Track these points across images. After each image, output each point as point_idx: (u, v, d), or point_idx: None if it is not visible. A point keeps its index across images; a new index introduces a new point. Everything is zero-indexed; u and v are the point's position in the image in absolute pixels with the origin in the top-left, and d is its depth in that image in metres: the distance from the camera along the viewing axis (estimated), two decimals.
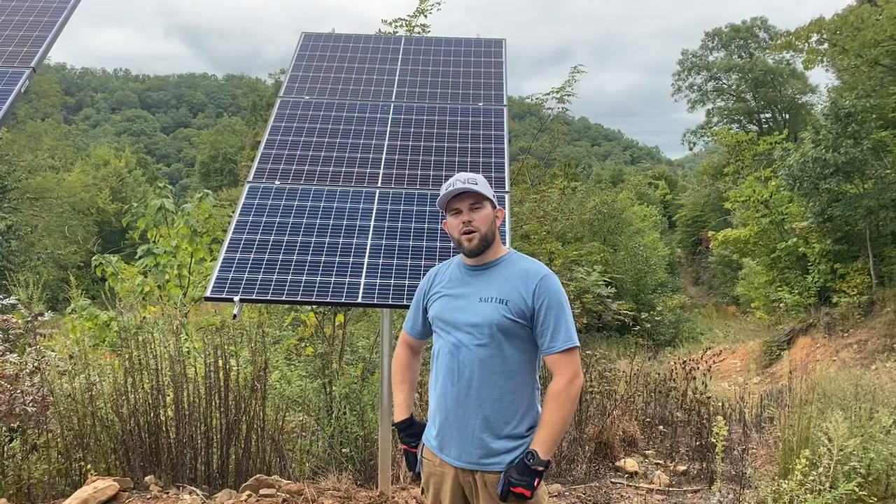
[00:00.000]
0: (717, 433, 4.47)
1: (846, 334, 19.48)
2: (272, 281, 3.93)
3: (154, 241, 11.10)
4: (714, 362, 9.17)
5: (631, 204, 42.47)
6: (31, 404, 4.87)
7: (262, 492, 4.62)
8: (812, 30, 22.08)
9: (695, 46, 49.47)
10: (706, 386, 7.81)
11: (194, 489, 4.63)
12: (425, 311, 2.94)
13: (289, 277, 3.95)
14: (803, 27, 22.37)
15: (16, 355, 5.33)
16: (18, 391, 4.93)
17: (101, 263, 11.83)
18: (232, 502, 4.49)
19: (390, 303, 3.88)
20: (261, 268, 4.00)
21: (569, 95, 10.29)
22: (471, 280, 2.76)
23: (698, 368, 8.16)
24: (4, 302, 5.57)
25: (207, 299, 3.91)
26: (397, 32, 7.96)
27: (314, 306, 7.59)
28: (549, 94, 10.61)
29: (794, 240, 22.23)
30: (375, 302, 3.88)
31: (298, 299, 3.90)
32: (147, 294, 9.59)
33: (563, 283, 7.22)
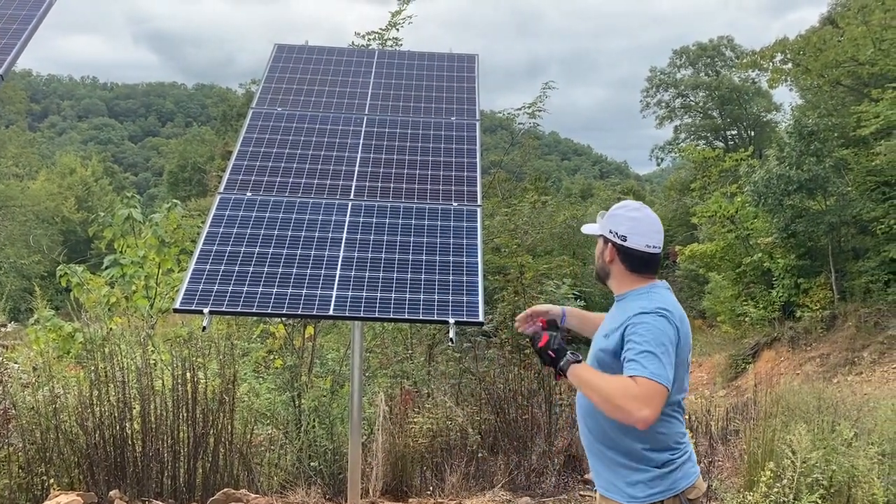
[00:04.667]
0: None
1: (809, 348, 19.83)
2: (242, 293, 3.91)
3: (121, 252, 10.95)
4: None
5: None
6: None
7: None
8: (776, 50, 22.57)
9: (663, 64, 50.23)
10: None
11: None
12: None
13: (259, 289, 3.93)
14: (768, 47, 22.87)
15: None
16: None
17: (66, 273, 11.64)
18: None
19: (362, 315, 3.88)
20: (231, 279, 3.97)
21: (539, 111, 10.41)
22: (611, 311, 2.79)
23: None
24: None
25: (177, 311, 3.87)
26: (370, 45, 8.00)
27: (283, 318, 7.54)
28: (520, 109, 10.71)
29: (759, 255, 22.61)
30: (347, 314, 3.88)
31: (269, 311, 3.88)
32: (113, 305, 9.45)
33: (533, 297, 7.23)
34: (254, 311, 3.87)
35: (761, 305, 22.15)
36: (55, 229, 28.31)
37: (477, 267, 4.12)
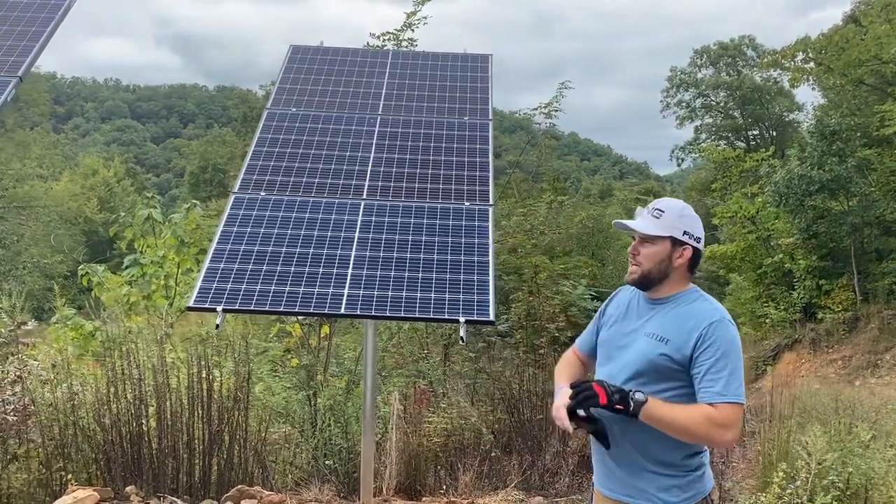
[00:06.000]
0: None
1: (831, 350, 19.61)
2: (255, 291, 3.95)
3: (141, 252, 11.09)
4: None
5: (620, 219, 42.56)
6: (11, 413, 4.86)
7: (243, 502, 4.62)
8: (798, 49, 22.36)
9: (684, 64, 49.87)
10: None
11: (175, 500, 4.62)
12: (598, 332, 2.82)
13: (272, 288, 3.97)
14: (789, 46, 22.66)
15: None
16: (0, 400, 4.92)
17: (87, 273, 11.80)
18: None
19: (373, 314, 3.90)
20: (244, 278, 4.02)
21: (556, 111, 10.40)
22: (646, 313, 2.63)
23: None
24: None
25: (190, 309, 3.93)
26: (385, 46, 8.04)
27: (300, 317, 7.59)
28: (536, 108, 10.71)
29: (780, 256, 22.40)
30: (358, 313, 3.90)
31: (282, 310, 3.92)
32: (133, 304, 9.57)
33: (547, 297, 7.22)
34: (266, 309, 3.91)
35: (782, 307, 21.94)
36: (77, 229, 28.70)
37: (488, 266, 4.13)
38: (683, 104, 48.42)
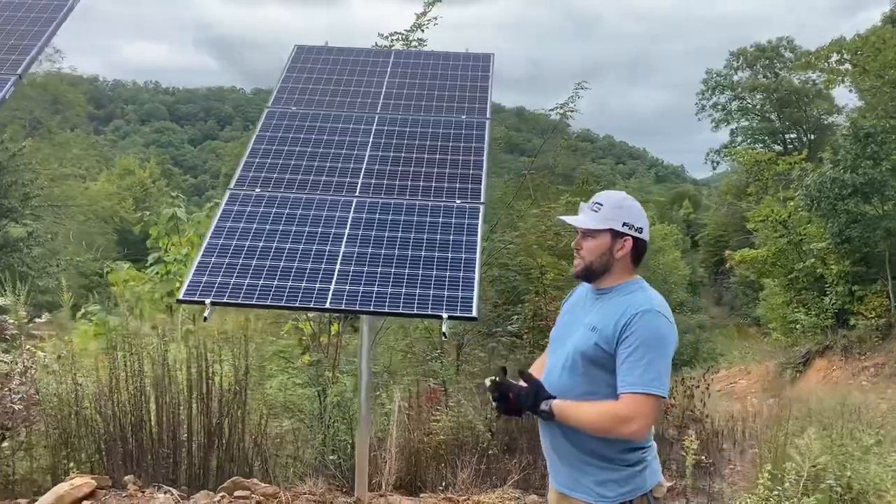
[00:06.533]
0: (687, 447, 4.47)
1: (863, 357, 19.19)
2: (244, 285, 4.03)
3: (165, 250, 11.33)
4: (710, 381, 9.16)
5: (652, 223, 42.22)
6: (18, 402, 5.00)
7: (236, 493, 4.70)
8: (832, 50, 21.95)
9: (722, 66, 49.18)
10: (704, 404, 7.79)
11: (170, 489, 4.72)
12: None
13: (260, 282, 4.04)
14: (823, 47, 22.25)
15: (9, 355, 5.46)
16: (7, 389, 5.07)
17: (112, 270, 12.08)
18: (205, 502, 4.57)
19: (357, 309, 3.95)
20: (234, 272, 4.09)
21: (572, 111, 10.36)
22: (590, 305, 2.66)
23: (697, 387, 8.17)
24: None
25: (180, 302, 4.02)
26: (394, 46, 8.10)
27: (310, 315, 7.69)
28: (553, 109, 10.68)
29: (812, 261, 21.99)
30: (343, 307, 3.96)
31: (268, 304, 3.98)
32: (155, 300, 9.78)
33: (553, 297, 7.18)
34: (253, 302, 3.99)
35: (813, 313, 21.52)
36: (111, 228, 29.34)
37: (474, 263, 4.16)
38: (719, 107, 47.82)
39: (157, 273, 10.82)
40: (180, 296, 4.02)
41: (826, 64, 22.85)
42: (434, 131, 5.06)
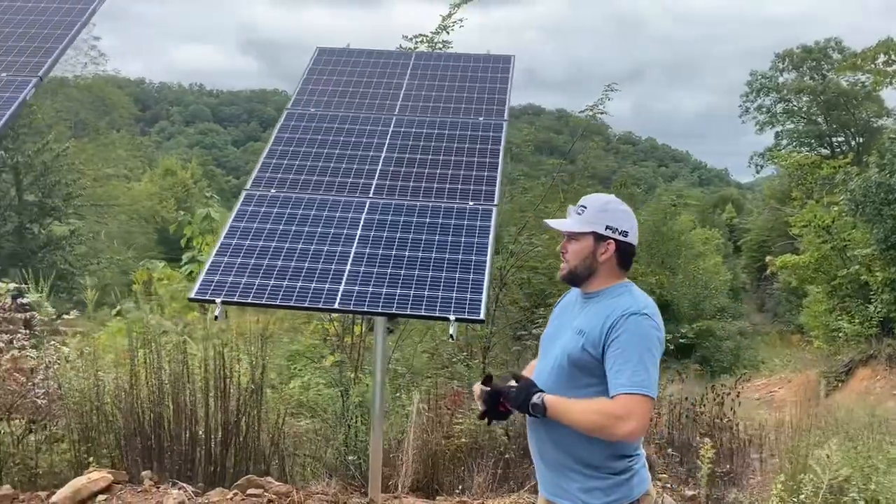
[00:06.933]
0: (703, 455, 4.38)
1: None
2: (255, 285, 4.06)
3: (199, 249, 11.52)
4: (741, 389, 8.98)
5: (692, 227, 41.66)
6: (42, 397, 5.12)
7: (249, 491, 4.74)
8: (879, 50, 21.38)
9: (766, 68, 48.29)
10: (734, 412, 7.64)
11: (185, 485, 4.78)
12: None
13: (271, 282, 4.08)
14: (870, 48, 21.68)
15: (35, 351, 5.60)
16: (31, 384, 5.20)
17: (147, 268, 12.31)
18: (218, 499, 4.61)
19: (365, 310, 3.96)
20: (245, 272, 4.13)
21: (601, 113, 10.26)
22: (579, 309, 2.63)
23: (728, 394, 8.01)
24: (27, 299, 5.86)
25: (191, 300, 4.07)
26: (417, 48, 8.11)
27: (333, 315, 7.73)
28: (583, 111, 10.59)
29: (857, 267, 21.40)
30: (352, 308, 3.97)
31: (277, 303, 4.02)
32: (186, 299, 9.94)
33: None
34: (263, 302, 4.02)
35: (857, 321, 20.94)
36: (151, 228, 29.95)
37: (484, 265, 4.13)
38: (763, 109, 46.97)
39: (190, 272, 11.02)
40: (192, 294, 4.07)
41: (873, 65, 22.24)
42: (450, 133, 5.04)
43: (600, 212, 2.59)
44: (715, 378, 19.55)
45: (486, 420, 2.70)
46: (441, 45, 8.12)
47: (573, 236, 2.62)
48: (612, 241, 2.57)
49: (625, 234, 2.58)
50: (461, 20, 8.15)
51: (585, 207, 2.62)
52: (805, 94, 46.02)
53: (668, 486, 6.29)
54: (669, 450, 6.67)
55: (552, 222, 2.74)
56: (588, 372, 2.49)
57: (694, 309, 32.87)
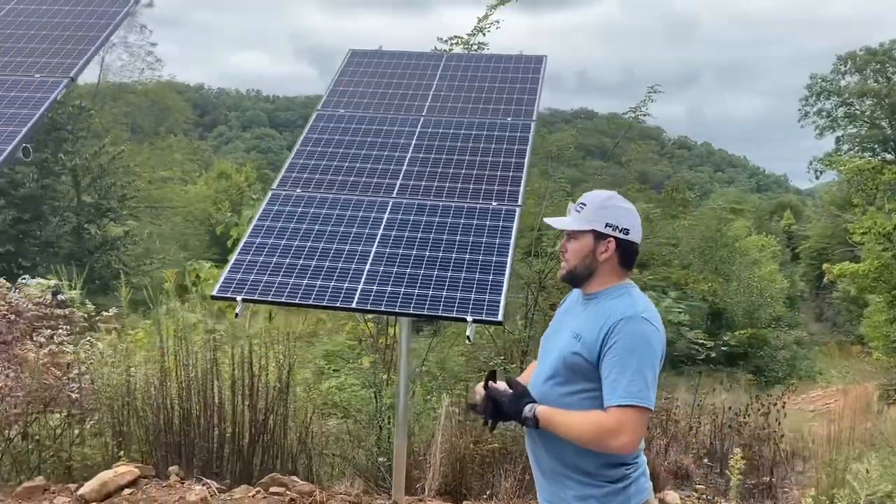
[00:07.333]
0: (732, 466, 4.24)
1: None
2: (275, 283, 4.08)
3: None
4: (795, 401, 8.71)
5: (747, 233, 40.71)
6: (76, 391, 5.24)
7: (271, 489, 4.76)
8: None
9: (827, 70, 46.90)
10: (779, 423, 7.41)
11: (209, 481, 4.83)
12: None
13: (291, 280, 4.09)
14: None
15: (73, 346, 5.73)
16: (67, 378, 5.32)
17: (194, 268, 12.54)
18: (241, 496, 4.65)
19: (383, 309, 3.94)
20: (267, 270, 4.16)
21: (644, 115, 10.08)
22: (579, 311, 2.55)
23: (774, 405, 7.78)
24: (64, 295, 6.01)
25: (213, 297, 4.11)
26: (452, 50, 8.09)
27: (368, 317, 7.76)
28: (626, 113, 10.43)
29: None
30: (369, 308, 3.96)
31: (296, 302, 4.02)
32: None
33: None
34: (283, 300, 4.03)
35: None
36: (203, 229, 30.62)
37: (505, 267, 4.07)
38: (824, 113, 45.64)
39: None
40: (214, 292, 4.11)
41: None
42: (477, 133, 5.00)
43: (600, 209, 2.50)
44: (768, 388, 19.01)
45: (487, 424, 2.62)
46: (476, 47, 8.08)
47: (572, 234, 2.54)
48: (612, 239, 2.48)
49: (626, 231, 2.49)
50: (497, 22, 8.13)
51: (585, 204, 2.52)
52: (868, 97, 44.55)
53: (705, 496, 6.13)
54: (706, 460, 6.49)
55: (551, 220, 2.66)
56: (583, 377, 2.41)
57: (748, 317, 32.15)
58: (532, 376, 2.61)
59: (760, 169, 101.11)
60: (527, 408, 2.43)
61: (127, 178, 23.60)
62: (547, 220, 2.70)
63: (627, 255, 2.51)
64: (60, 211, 21.78)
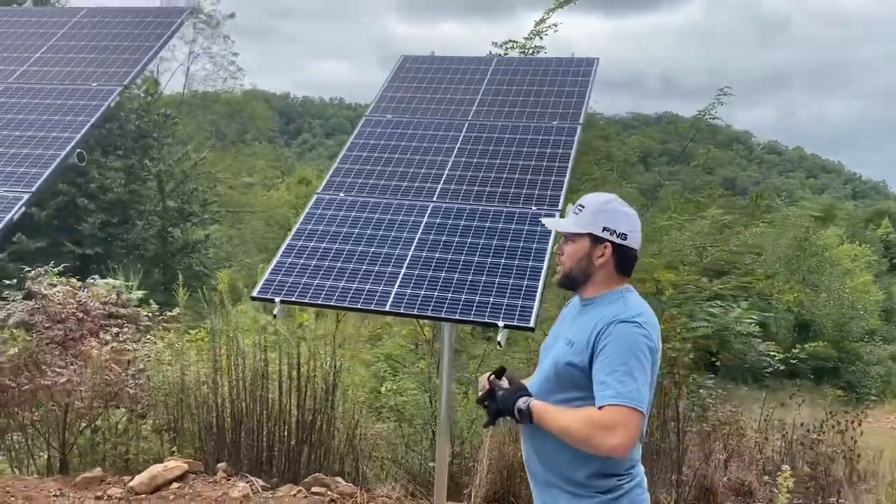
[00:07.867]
0: (780, 484, 4.05)
1: None
2: (312, 285, 4.14)
3: None
4: (870, 418, 8.26)
5: (839, 242, 38.94)
6: (133, 388, 5.46)
7: (314, 489, 4.84)
8: None
9: None
10: (855, 442, 7.05)
11: (253, 479, 4.94)
12: None
13: (328, 283, 4.14)
14: None
15: (135, 345, 5.98)
16: (127, 375, 5.55)
17: (263, 270, 12.82)
18: (283, 494, 4.74)
19: (415, 313, 3.95)
20: (306, 272, 4.23)
21: (713, 118, 9.75)
22: (575, 317, 2.51)
23: (852, 422, 7.41)
24: (134, 294, 6.26)
25: (253, 299, 4.20)
26: (507, 54, 8.03)
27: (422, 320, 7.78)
28: (695, 115, 10.12)
29: None
30: (402, 311, 3.96)
31: (332, 304, 4.07)
32: None
33: (673, 316, 6.78)
34: (319, 302, 4.09)
35: None
36: (282, 233, 31.35)
37: (540, 272, 4.02)
38: None
39: None
40: (254, 293, 4.20)
41: None
42: (522, 137, 4.95)
43: (598, 212, 2.44)
44: (859, 405, 18.10)
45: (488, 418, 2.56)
46: (533, 51, 8.01)
47: (569, 237, 2.50)
48: (608, 243, 2.42)
49: (623, 236, 2.42)
50: (555, 25, 8.03)
51: (583, 207, 2.48)
52: None
53: None
54: (766, 477, 6.22)
55: (547, 221, 2.65)
56: (573, 385, 2.35)
57: (839, 330, 30.71)
58: (529, 385, 2.56)
59: (856, 175, 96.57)
60: (521, 400, 2.39)
61: (209, 184, 24.48)
62: (543, 221, 2.66)
63: (625, 260, 2.45)
64: (146, 215, 22.80)
